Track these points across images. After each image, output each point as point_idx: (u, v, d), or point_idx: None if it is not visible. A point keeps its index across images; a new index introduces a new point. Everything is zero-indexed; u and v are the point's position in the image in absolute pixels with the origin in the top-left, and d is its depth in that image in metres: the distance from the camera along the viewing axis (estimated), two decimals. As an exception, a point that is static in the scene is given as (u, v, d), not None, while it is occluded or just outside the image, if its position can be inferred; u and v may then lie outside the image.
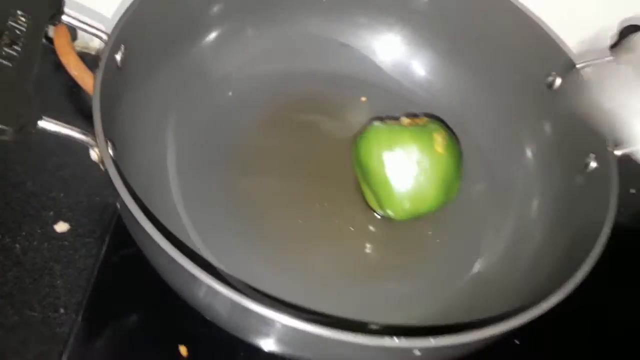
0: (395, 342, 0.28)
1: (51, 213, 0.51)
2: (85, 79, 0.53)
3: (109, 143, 0.33)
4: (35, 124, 0.31)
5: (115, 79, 0.37)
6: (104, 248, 0.48)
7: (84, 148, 0.56)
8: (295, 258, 0.43)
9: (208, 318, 0.34)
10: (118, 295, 0.44)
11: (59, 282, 0.48)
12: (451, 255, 0.45)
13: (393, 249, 0.44)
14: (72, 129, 0.33)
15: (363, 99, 0.51)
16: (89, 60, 0.46)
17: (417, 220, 0.44)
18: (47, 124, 0.32)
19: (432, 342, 0.29)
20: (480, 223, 0.46)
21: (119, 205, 0.33)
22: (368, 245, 0.44)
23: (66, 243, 0.50)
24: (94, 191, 0.53)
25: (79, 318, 0.43)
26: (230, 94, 0.49)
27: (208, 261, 0.40)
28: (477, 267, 0.44)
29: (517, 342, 0.46)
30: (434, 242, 0.45)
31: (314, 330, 0.27)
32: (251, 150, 0.48)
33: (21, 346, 0.45)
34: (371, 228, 0.45)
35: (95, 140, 0.31)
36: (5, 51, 0.30)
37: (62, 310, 0.47)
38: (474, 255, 0.44)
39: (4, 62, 0.30)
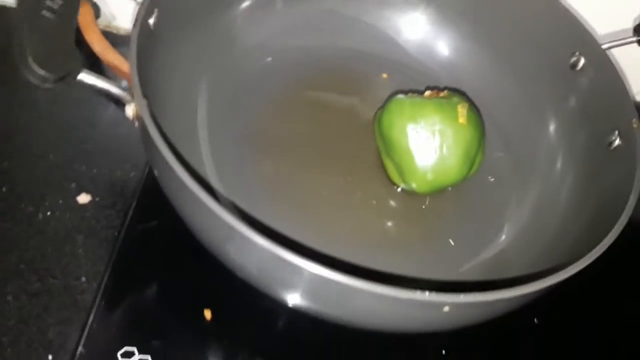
0: (426, 296, 0.28)
1: (73, 185, 0.52)
2: (108, 55, 0.54)
3: (144, 100, 0.33)
4: (76, 75, 0.32)
5: (148, 43, 0.37)
6: (127, 219, 0.48)
7: (106, 122, 0.57)
8: (318, 227, 0.43)
9: (236, 271, 0.35)
10: (140, 265, 0.45)
11: (80, 251, 0.49)
12: (474, 228, 0.45)
13: (415, 222, 0.44)
14: (110, 83, 0.33)
15: (384, 75, 0.52)
16: (112, 38, 0.47)
17: (439, 193, 0.45)
18: (86, 77, 0.33)
19: (462, 298, 0.29)
20: (504, 195, 0.47)
21: (152, 163, 0.33)
22: (390, 218, 0.44)
23: (88, 214, 0.51)
24: (115, 165, 0.54)
25: (102, 286, 0.44)
26: (260, 63, 0.49)
27: (244, 211, 0.41)
28: (501, 238, 0.44)
29: (536, 321, 0.46)
30: (456, 215, 0.45)
31: (347, 281, 0.28)
32: (276, 122, 0.48)
33: (43, 312, 0.45)
34: (393, 202, 0.45)
35: (132, 96, 0.32)
36: (48, 4, 0.31)
37: (83, 279, 0.47)
38: (497, 227, 0.45)
39: (47, 13, 0.31)
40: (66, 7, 0.32)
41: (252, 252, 0.30)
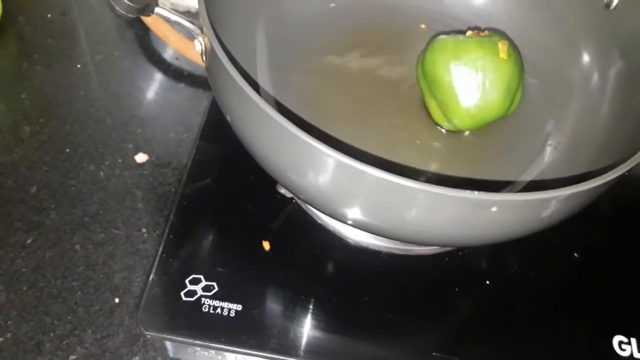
0: (475, 195, 0.29)
1: (130, 145, 0.55)
2: (159, 26, 0.58)
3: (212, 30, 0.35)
4: (153, 8, 0.35)
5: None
6: (184, 177, 0.49)
7: (156, 90, 0.61)
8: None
9: (294, 190, 0.36)
10: (201, 210, 0.46)
11: (140, 205, 0.52)
12: (516, 161, 0.46)
13: (458, 160, 0.45)
14: (181, 17, 0.36)
15: (423, 26, 0.54)
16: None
17: (480, 132, 0.46)
18: (161, 10, 0.36)
19: (509, 197, 0.30)
20: (541, 128, 0.47)
21: (222, 93, 0.35)
22: (434, 158, 0.46)
23: (145, 172, 0.54)
24: (168, 128, 0.57)
25: (169, 221, 0.45)
26: (331, 4, 0.51)
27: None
28: (544, 160, 0.45)
29: (576, 255, 0.47)
30: (497, 151, 0.46)
31: (406, 183, 0.29)
32: (330, 64, 0.50)
33: (109, 259, 0.48)
34: (436, 143, 0.47)
35: (201, 29, 0.34)
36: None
37: (144, 230, 0.50)
38: (539, 150, 0.46)
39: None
40: None
41: (312, 161, 0.31)
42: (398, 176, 0.30)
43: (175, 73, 0.62)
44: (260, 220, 0.44)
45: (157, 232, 0.50)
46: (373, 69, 0.51)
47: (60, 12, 0.66)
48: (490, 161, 0.45)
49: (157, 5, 0.35)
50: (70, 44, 0.63)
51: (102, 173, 0.53)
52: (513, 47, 0.45)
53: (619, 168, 0.31)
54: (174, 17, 0.36)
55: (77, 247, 0.49)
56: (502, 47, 0.43)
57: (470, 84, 0.43)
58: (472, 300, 0.44)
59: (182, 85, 0.61)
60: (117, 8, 0.33)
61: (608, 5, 0.48)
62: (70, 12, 0.66)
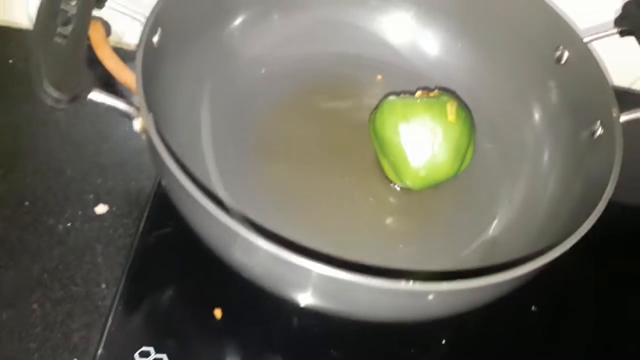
0: (410, 286, 0.30)
1: (91, 196, 0.55)
2: (120, 71, 0.57)
3: (151, 114, 0.36)
4: (87, 94, 0.35)
5: (153, 59, 0.40)
6: (141, 228, 0.50)
7: (119, 136, 0.60)
8: (318, 225, 0.45)
9: (243, 275, 0.37)
10: (155, 270, 0.47)
11: (100, 259, 0.51)
12: (468, 219, 0.47)
13: (411, 217, 0.46)
14: (119, 100, 0.36)
15: (379, 77, 0.54)
16: (122, 54, 0.50)
17: (434, 189, 0.47)
18: (96, 95, 0.35)
19: (444, 286, 0.31)
20: (495, 185, 0.48)
21: (160, 174, 0.36)
22: (387, 215, 0.46)
23: (106, 224, 0.53)
24: (130, 176, 0.56)
25: (119, 291, 0.46)
26: (258, 73, 0.52)
27: (248, 217, 0.43)
28: (492, 226, 0.46)
29: (534, 309, 0.48)
30: (450, 209, 0.47)
31: (344, 276, 0.30)
32: (276, 127, 0.50)
33: (67, 318, 0.48)
34: (390, 199, 0.47)
35: (139, 111, 0.34)
36: (59, 31, 0.34)
37: (103, 285, 0.50)
38: (490, 216, 0.46)
39: (59, 40, 0.34)
40: (76, 32, 0.35)
41: (257, 256, 0.32)
42: (336, 268, 0.30)
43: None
44: (213, 285, 0.44)
45: (117, 288, 0.50)
46: (328, 122, 0.51)
47: (23, 58, 0.65)
48: (443, 220, 0.46)
49: (91, 90, 0.35)
50: (29, 91, 0.62)
51: (61, 226, 0.53)
52: (463, 106, 0.45)
53: (552, 252, 0.31)
54: (110, 102, 0.36)
55: (35, 305, 0.49)
56: (451, 108, 0.43)
57: (419, 146, 0.44)
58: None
59: (144, 130, 0.60)
60: (47, 100, 0.33)
61: (559, 60, 0.48)
62: (27, 59, 0.65)
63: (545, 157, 0.48)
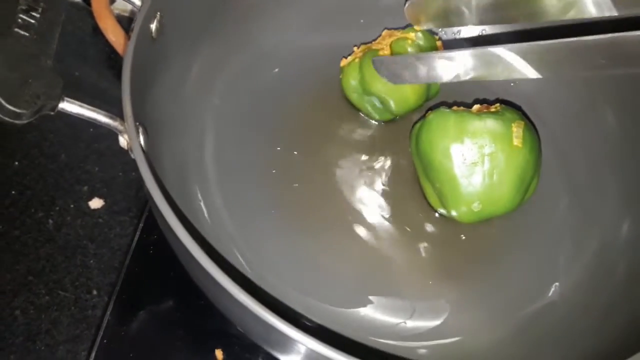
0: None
1: (85, 188, 0.49)
2: (124, 45, 0.50)
3: (140, 128, 0.28)
4: (56, 105, 0.27)
5: (149, 53, 0.32)
6: (140, 228, 0.45)
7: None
8: (342, 253, 0.38)
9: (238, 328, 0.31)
10: (153, 279, 0.42)
11: (92, 261, 0.46)
12: (521, 272, 0.38)
13: (453, 256, 0.39)
14: (97, 112, 0.29)
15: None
16: (128, 23, 0.43)
17: (484, 223, 0.39)
18: (68, 105, 0.28)
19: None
20: (559, 230, 0.40)
21: (148, 200, 0.29)
22: (424, 249, 0.39)
23: (100, 220, 0.48)
24: (130, 166, 0.50)
25: (112, 301, 0.42)
26: (276, 70, 0.44)
27: (241, 273, 0.36)
28: (552, 287, 0.37)
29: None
30: (502, 250, 0.39)
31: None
32: (298, 140, 0.43)
33: (53, 328, 0.44)
34: (429, 229, 0.40)
35: (124, 126, 0.27)
36: (22, 18, 0.26)
37: (94, 292, 0.45)
38: (550, 270, 0.38)
39: (21, 31, 0.26)
40: (44, 22, 0.26)
41: (251, 321, 0.26)
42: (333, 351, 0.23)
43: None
44: (214, 323, 0.38)
45: (109, 295, 0.44)
46: (352, 132, 0.43)
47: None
48: (490, 263, 0.38)
49: (62, 100, 0.27)
50: None
51: (51, 221, 0.48)
52: (530, 128, 0.36)
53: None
54: (88, 113, 0.28)
55: (17, 312, 0.44)
56: (517, 130, 0.35)
57: (475, 174, 0.35)
58: None
59: (150, 112, 0.54)
60: (3, 117, 0.25)
61: None
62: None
63: (624, 229, 0.38)
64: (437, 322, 0.36)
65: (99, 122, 0.29)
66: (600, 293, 0.36)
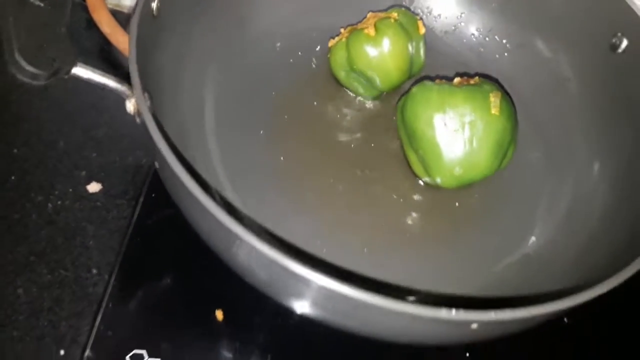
0: (453, 314, 0.26)
1: (83, 173, 0.51)
2: (117, 37, 0.52)
3: (146, 94, 0.31)
4: (70, 69, 0.30)
5: (152, 29, 0.35)
6: (137, 210, 0.47)
7: (117, 106, 0.55)
8: (334, 225, 0.41)
9: (244, 278, 0.33)
10: (151, 257, 0.43)
11: (91, 242, 0.48)
12: (502, 227, 0.42)
13: (438, 218, 0.41)
14: (107, 77, 0.31)
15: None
16: (121, 18, 0.45)
17: (465, 188, 0.42)
18: (81, 71, 0.30)
19: (493, 315, 0.26)
20: (535, 191, 0.43)
21: (156, 162, 0.31)
22: (412, 214, 0.41)
23: (98, 204, 0.49)
24: (127, 151, 0.52)
25: (110, 283, 0.43)
26: (277, 45, 0.46)
27: (250, 217, 0.38)
28: (530, 241, 0.41)
29: (566, 320, 0.43)
30: (483, 212, 0.42)
31: (358, 296, 0.25)
32: (291, 110, 0.45)
33: (55, 305, 0.45)
34: (415, 196, 0.42)
35: (132, 91, 0.29)
36: (38, -10, 0.28)
37: (94, 271, 0.46)
38: (527, 227, 0.41)
39: (36, 1, 0.28)
40: None
41: (257, 261, 0.27)
42: (344, 284, 0.25)
43: (137, 88, 0.56)
44: (215, 282, 0.40)
45: (108, 273, 0.46)
46: (348, 107, 0.45)
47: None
48: (473, 224, 0.41)
49: (75, 65, 0.30)
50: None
51: (50, 205, 0.49)
52: (506, 99, 0.39)
53: (603, 284, 0.27)
54: (98, 79, 0.30)
55: (20, 290, 0.45)
56: (494, 100, 0.38)
57: (456, 141, 0.38)
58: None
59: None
60: (20, 76, 0.28)
61: (615, 48, 0.42)
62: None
63: (596, 156, 0.43)
64: (422, 277, 0.38)
65: (109, 87, 0.31)
66: (577, 235, 0.39)
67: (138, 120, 0.31)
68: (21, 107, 0.54)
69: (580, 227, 0.40)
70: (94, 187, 0.50)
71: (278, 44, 0.48)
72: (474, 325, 0.27)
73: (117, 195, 0.50)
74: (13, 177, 0.50)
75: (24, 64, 0.27)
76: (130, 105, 0.31)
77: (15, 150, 0.51)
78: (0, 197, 0.49)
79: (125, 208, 0.49)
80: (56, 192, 0.49)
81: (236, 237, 0.26)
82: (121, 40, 0.53)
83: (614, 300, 0.44)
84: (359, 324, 0.30)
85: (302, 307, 0.31)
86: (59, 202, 0.49)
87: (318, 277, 0.26)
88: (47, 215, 0.48)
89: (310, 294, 0.29)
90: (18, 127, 0.52)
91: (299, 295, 0.29)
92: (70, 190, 0.50)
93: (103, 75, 0.31)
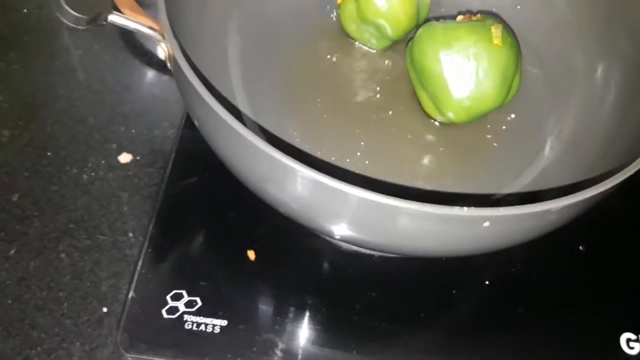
0: (465, 211, 0.27)
1: (114, 145, 0.53)
2: (140, 19, 0.55)
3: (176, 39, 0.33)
4: (107, 16, 0.32)
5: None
6: (166, 177, 0.48)
7: (139, 85, 0.58)
8: (352, 166, 0.43)
9: (277, 206, 0.34)
10: (183, 218, 0.46)
11: (125, 208, 0.50)
12: (514, 154, 0.43)
13: (453, 153, 0.43)
14: (140, 23, 0.33)
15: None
16: (142, 1, 0.47)
17: (476, 122, 0.43)
18: (116, 18, 0.33)
19: (502, 211, 0.28)
20: (543, 117, 0.44)
21: (188, 105, 0.33)
22: (427, 152, 0.43)
23: (130, 173, 0.52)
24: (153, 124, 0.55)
25: (147, 240, 0.45)
26: (284, 4, 0.49)
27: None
28: (544, 156, 0.42)
29: (581, 248, 0.45)
30: (495, 142, 0.44)
31: (389, 202, 0.27)
32: (308, 57, 0.47)
33: (95, 267, 0.47)
34: (429, 136, 0.44)
35: (163, 35, 0.32)
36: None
37: (130, 235, 0.48)
38: (537, 150, 0.43)
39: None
40: None
41: (292, 182, 0.29)
42: (380, 195, 0.27)
43: (159, 66, 0.59)
44: (245, 227, 0.42)
45: (144, 236, 0.48)
46: (357, 56, 0.48)
47: (37, 6, 0.63)
48: (488, 156, 0.43)
49: (111, 12, 0.33)
50: (49, 40, 0.60)
51: (85, 176, 0.52)
52: (508, 30, 0.41)
53: (618, 175, 0.28)
54: (132, 25, 0.33)
55: (63, 255, 0.47)
56: (496, 31, 0.40)
57: (463, 74, 0.40)
58: (471, 302, 0.42)
59: (166, 78, 0.58)
60: (64, 20, 0.30)
61: None
62: (47, 6, 0.63)
63: (599, 80, 0.44)
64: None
65: (142, 32, 0.34)
66: (582, 155, 0.41)
67: (170, 65, 0.33)
68: (50, 90, 0.57)
69: (589, 139, 0.42)
70: (125, 158, 0.52)
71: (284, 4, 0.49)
72: (487, 223, 0.28)
73: (147, 165, 0.52)
74: (49, 153, 0.52)
75: (68, 9, 0.30)
76: (161, 50, 0.33)
77: (48, 129, 0.54)
78: (39, 172, 0.51)
79: (155, 176, 0.52)
80: (89, 165, 0.52)
81: (276, 160, 0.28)
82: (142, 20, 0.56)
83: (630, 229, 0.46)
84: (388, 238, 0.31)
85: (339, 229, 0.32)
86: (93, 174, 0.51)
87: (360, 191, 0.27)
88: (82, 186, 0.50)
89: (349, 211, 0.30)
90: (49, 108, 0.55)
91: (338, 215, 0.31)
92: (103, 162, 0.52)
93: (136, 22, 0.34)
